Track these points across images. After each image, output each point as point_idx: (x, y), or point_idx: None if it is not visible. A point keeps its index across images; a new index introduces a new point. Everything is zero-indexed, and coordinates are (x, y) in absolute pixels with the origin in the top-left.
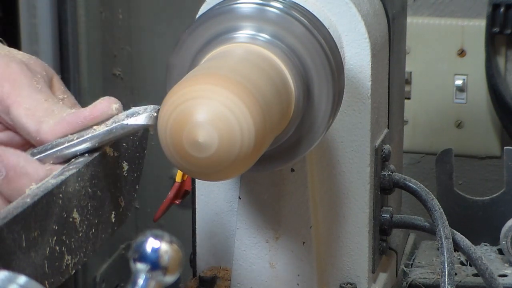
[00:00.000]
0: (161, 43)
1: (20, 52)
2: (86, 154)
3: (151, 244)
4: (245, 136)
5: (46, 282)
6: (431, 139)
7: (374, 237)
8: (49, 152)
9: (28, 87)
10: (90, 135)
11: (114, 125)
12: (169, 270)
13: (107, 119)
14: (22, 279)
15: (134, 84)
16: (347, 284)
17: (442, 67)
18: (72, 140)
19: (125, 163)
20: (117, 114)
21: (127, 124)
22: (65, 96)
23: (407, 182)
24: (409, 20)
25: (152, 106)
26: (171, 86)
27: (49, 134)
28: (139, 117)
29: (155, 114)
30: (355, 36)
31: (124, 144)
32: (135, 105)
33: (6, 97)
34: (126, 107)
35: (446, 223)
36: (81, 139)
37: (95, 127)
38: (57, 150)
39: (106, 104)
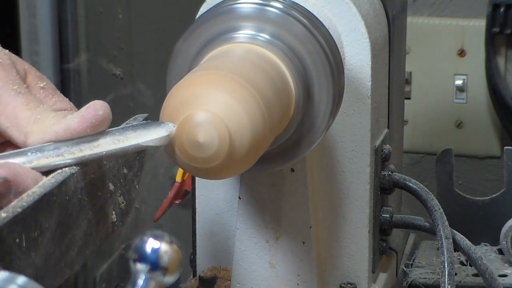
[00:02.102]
0: (161, 43)
1: None
2: None
3: (151, 244)
4: (245, 136)
5: (46, 282)
6: (431, 139)
7: (374, 237)
8: (56, 162)
9: (6, 92)
10: (104, 151)
11: (128, 145)
12: (169, 271)
13: (99, 126)
14: (22, 279)
15: (134, 84)
16: (347, 284)
17: (442, 67)
18: (82, 149)
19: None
20: (108, 118)
21: (142, 145)
22: (45, 84)
23: (407, 182)
24: (409, 20)
25: (168, 124)
26: (171, 86)
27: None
28: (155, 137)
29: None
30: (355, 36)
31: None
32: (135, 105)
33: None
34: (126, 107)
35: (446, 223)
36: (93, 153)
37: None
38: (65, 163)
39: (93, 113)
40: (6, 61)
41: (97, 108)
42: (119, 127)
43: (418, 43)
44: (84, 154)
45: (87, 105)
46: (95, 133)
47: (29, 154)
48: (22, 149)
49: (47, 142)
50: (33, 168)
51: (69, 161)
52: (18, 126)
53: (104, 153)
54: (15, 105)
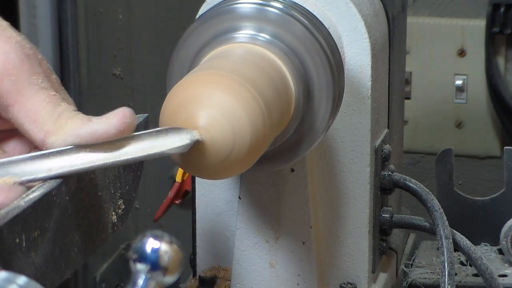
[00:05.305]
0: (161, 43)
1: (13, 28)
2: None
3: (151, 244)
4: (245, 136)
5: (46, 282)
6: (431, 139)
7: (374, 237)
8: (79, 168)
9: (29, 85)
10: (125, 158)
11: (154, 152)
12: (169, 271)
13: (125, 133)
14: (22, 279)
15: (134, 84)
16: (347, 284)
17: (442, 67)
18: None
19: None
20: (134, 126)
21: (167, 152)
22: (54, 77)
23: (407, 182)
24: (409, 20)
25: (190, 130)
26: (171, 86)
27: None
28: (179, 144)
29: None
30: (355, 36)
31: None
32: (135, 105)
33: (6, 96)
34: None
35: (446, 223)
36: (119, 160)
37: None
38: (89, 167)
39: (122, 120)
40: (30, 51)
41: (126, 116)
42: (139, 132)
43: (418, 43)
44: (108, 161)
45: (115, 112)
46: (118, 139)
47: (51, 157)
48: (42, 152)
49: (69, 145)
50: (50, 176)
51: (92, 167)
52: (38, 122)
53: (130, 160)
54: (38, 100)
